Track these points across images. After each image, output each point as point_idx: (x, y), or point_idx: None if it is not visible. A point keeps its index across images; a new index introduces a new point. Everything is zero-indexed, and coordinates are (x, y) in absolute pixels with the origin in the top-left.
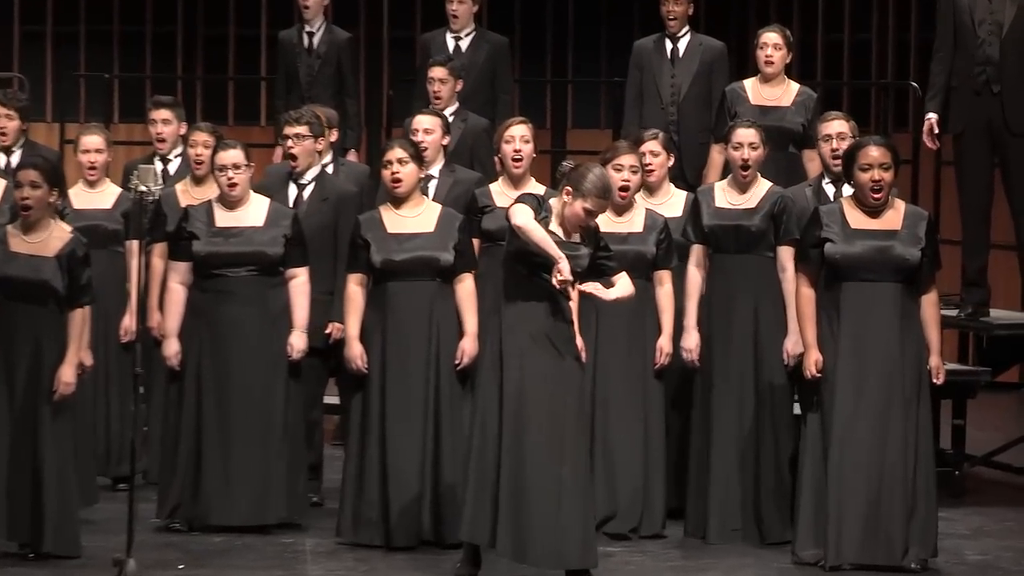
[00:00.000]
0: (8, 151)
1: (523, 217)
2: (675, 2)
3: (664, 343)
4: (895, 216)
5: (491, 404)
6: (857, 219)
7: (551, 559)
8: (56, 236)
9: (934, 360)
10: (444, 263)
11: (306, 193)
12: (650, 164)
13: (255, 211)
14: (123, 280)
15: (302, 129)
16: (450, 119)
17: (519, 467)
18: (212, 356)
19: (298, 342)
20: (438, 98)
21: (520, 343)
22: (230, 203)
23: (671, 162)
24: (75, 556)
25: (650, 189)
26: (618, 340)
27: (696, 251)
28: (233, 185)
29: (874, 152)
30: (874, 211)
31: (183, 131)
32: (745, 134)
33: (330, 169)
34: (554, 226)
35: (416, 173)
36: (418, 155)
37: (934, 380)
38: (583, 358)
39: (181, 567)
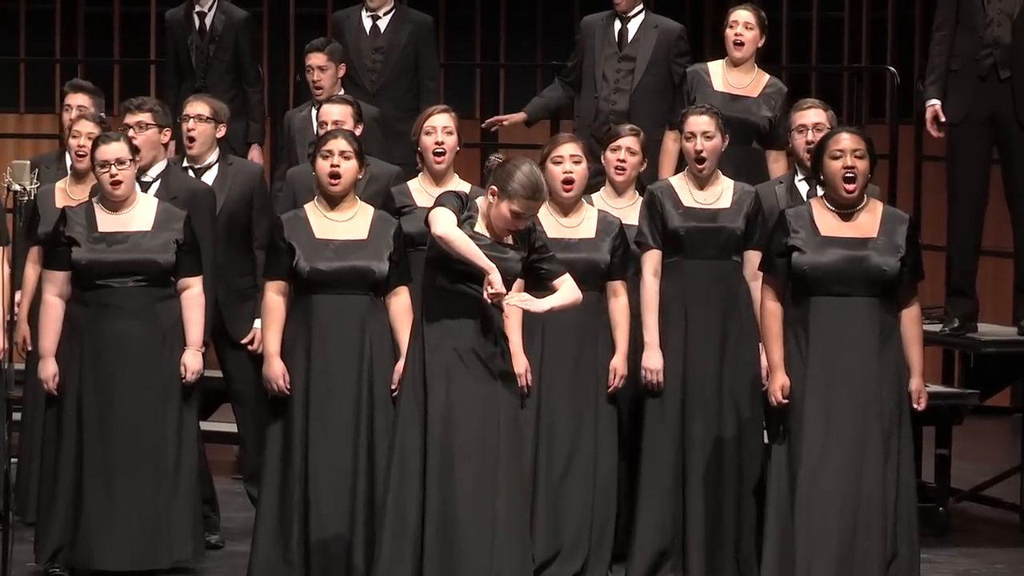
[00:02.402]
0: None
1: (444, 224)
2: None
3: (618, 363)
4: (871, 220)
5: (412, 433)
6: (828, 224)
7: None
8: None
9: (915, 383)
10: (379, 275)
11: (151, 192)
12: (624, 163)
13: (142, 213)
14: None
15: (144, 117)
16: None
17: (446, 503)
18: (94, 379)
19: (192, 362)
20: (319, 88)
21: (446, 362)
22: (113, 204)
23: (644, 166)
24: None
25: (617, 191)
26: (566, 359)
27: (654, 257)
28: (117, 183)
29: (846, 139)
30: (848, 214)
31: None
32: (697, 122)
33: (215, 170)
34: (480, 227)
35: (355, 172)
36: (361, 154)
37: (915, 406)
38: (528, 379)
39: None
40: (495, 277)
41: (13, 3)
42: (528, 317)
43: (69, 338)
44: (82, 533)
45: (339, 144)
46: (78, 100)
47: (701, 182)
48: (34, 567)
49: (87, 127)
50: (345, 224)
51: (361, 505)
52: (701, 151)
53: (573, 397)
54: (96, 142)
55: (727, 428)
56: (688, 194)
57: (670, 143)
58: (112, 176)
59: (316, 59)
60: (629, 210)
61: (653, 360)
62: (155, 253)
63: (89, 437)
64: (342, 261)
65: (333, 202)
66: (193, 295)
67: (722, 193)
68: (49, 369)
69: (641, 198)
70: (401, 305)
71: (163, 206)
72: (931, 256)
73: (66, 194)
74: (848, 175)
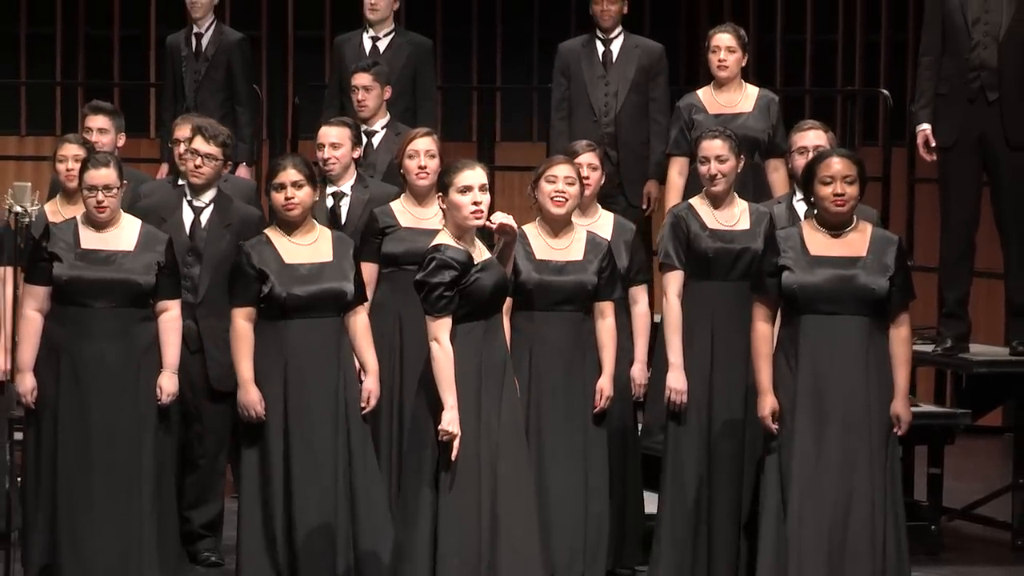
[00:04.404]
0: None
1: (437, 343)
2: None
3: (605, 384)
4: (860, 241)
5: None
6: (818, 244)
7: None
8: None
9: (897, 405)
10: (349, 296)
11: (204, 217)
12: (587, 179)
13: (126, 233)
14: None
15: (214, 150)
16: (382, 132)
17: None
18: (72, 398)
19: (168, 384)
20: (363, 107)
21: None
22: (97, 224)
23: (603, 180)
24: None
25: (580, 207)
26: (555, 379)
27: (678, 278)
28: (103, 209)
29: (837, 164)
30: (837, 234)
31: (121, 143)
32: (711, 146)
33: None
34: (451, 240)
35: (312, 196)
36: (313, 177)
37: (895, 430)
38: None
39: None
40: (449, 418)
41: (14, 27)
42: (516, 339)
43: (47, 356)
44: (60, 552)
45: (290, 175)
46: (98, 123)
47: (718, 204)
48: None
49: (72, 150)
50: (310, 248)
51: (344, 520)
52: (715, 174)
53: (562, 417)
54: (85, 165)
55: (753, 447)
56: (710, 216)
57: (675, 175)
58: (99, 202)
59: (361, 79)
60: (595, 227)
61: (678, 381)
62: (136, 274)
63: (64, 456)
64: (315, 284)
65: (293, 227)
66: (171, 318)
67: (741, 215)
68: (27, 383)
69: (604, 213)
70: (362, 324)
71: (146, 227)
72: (924, 277)
73: (59, 214)
74: (837, 201)
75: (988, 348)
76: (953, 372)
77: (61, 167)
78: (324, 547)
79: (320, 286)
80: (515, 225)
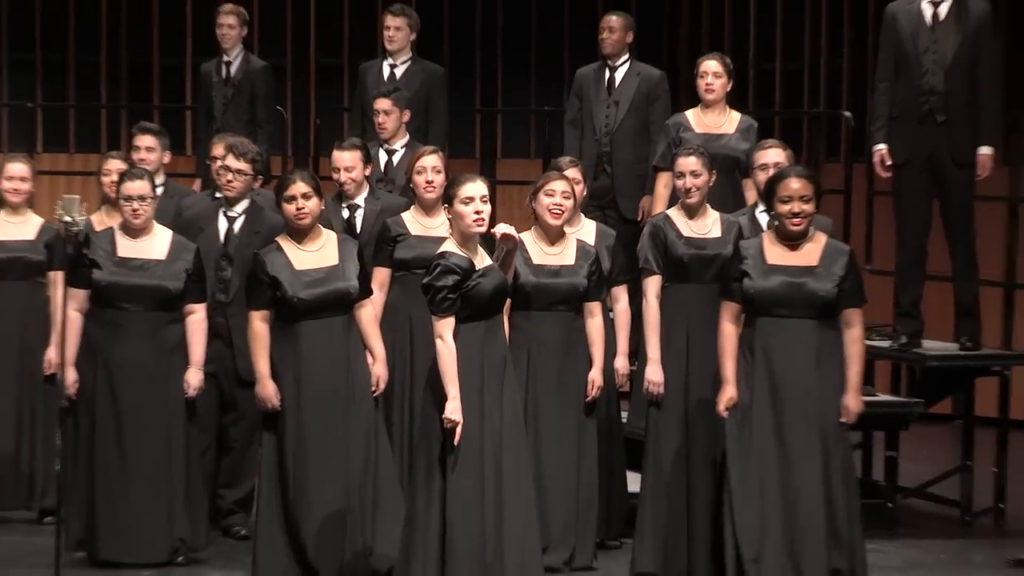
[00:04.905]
0: None
1: (442, 339)
2: (609, 29)
3: (595, 375)
4: (814, 251)
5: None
6: (775, 254)
7: None
8: None
9: (847, 398)
10: (354, 294)
11: (237, 225)
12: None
13: (158, 243)
14: (45, 312)
15: (245, 166)
16: (401, 150)
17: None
18: (107, 391)
19: (194, 379)
20: (383, 129)
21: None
22: (133, 232)
23: (585, 192)
24: None
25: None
26: (550, 371)
27: (656, 282)
28: (138, 216)
29: (795, 184)
30: (793, 245)
31: (167, 160)
32: (686, 162)
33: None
34: (455, 248)
35: (319, 205)
36: (319, 188)
37: (841, 419)
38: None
39: None
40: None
41: (63, 55)
42: (515, 337)
43: (85, 353)
44: (98, 528)
45: (300, 188)
46: (146, 142)
47: (692, 214)
48: (78, 556)
49: (115, 166)
50: (317, 253)
51: (354, 495)
52: (690, 188)
53: (557, 406)
54: (122, 178)
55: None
56: (686, 225)
57: (661, 187)
58: (135, 210)
59: (382, 104)
60: (579, 234)
61: (655, 373)
62: (167, 280)
63: (100, 443)
64: (322, 287)
65: (303, 235)
66: (197, 320)
67: (713, 224)
68: (70, 376)
69: (587, 221)
70: (368, 315)
71: (177, 238)
72: (882, 280)
73: (104, 223)
74: (794, 219)
75: (939, 344)
76: (908, 365)
77: (105, 180)
78: (336, 524)
79: (327, 288)
80: (516, 235)
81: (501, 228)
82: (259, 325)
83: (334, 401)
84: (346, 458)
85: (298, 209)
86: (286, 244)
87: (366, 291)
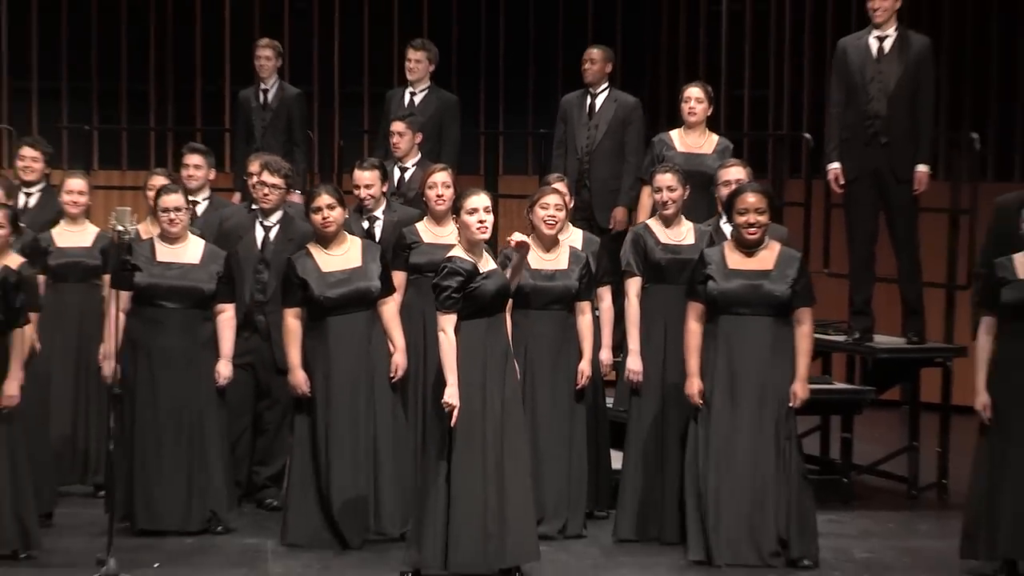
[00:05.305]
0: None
1: (443, 333)
2: (591, 60)
3: (584, 366)
4: (769, 257)
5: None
6: (735, 260)
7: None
8: None
9: (795, 386)
10: (375, 292)
11: (272, 234)
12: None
13: (192, 249)
14: (100, 310)
15: (278, 181)
16: (413, 168)
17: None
18: (146, 381)
19: (224, 369)
20: (397, 148)
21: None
22: (170, 240)
23: (572, 204)
24: (32, 551)
25: None
26: (545, 363)
27: (637, 283)
28: (174, 225)
29: (750, 199)
30: (750, 252)
31: (212, 176)
32: (663, 178)
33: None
34: (463, 253)
35: (342, 215)
36: (343, 199)
37: (791, 404)
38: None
39: (156, 565)
40: (450, 392)
41: (116, 83)
42: (516, 332)
43: (129, 346)
44: (135, 503)
45: (325, 199)
46: (194, 160)
47: (669, 223)
48: (124, 526)
49: (160, 181)
50: (342, 257)
51: (371, 468)
52: (666, 201)
53: (551, 394)
54: (159, 192)
55: None
56: (663, 233)
57: (645, 197)
58: (171, 220)
59: (397, 127)
60: (568, 241)
61: (636, 364)
62: (201, 282)
63: (140, 426)
64: (346, 287)
65: (329, 241)
66: (227, 317)
67: (687, 232)
68: (110, 368)
69: (574, 230)
70: (391, 311)
71: (209, 246)
72: (838, 282)
73: (150, 232)
74: (750, 229)
75: (888, 339)
76: (861, 357)
77: (150, 194)
78: (358, 494)
79: (350, 288)
80: (529, 241)
81: (516, 236)
82: (292, 321)
83: (357, 387)
84: (368, 436)
85: (324, 218)
86: (314, 249)
87: (388, 290)
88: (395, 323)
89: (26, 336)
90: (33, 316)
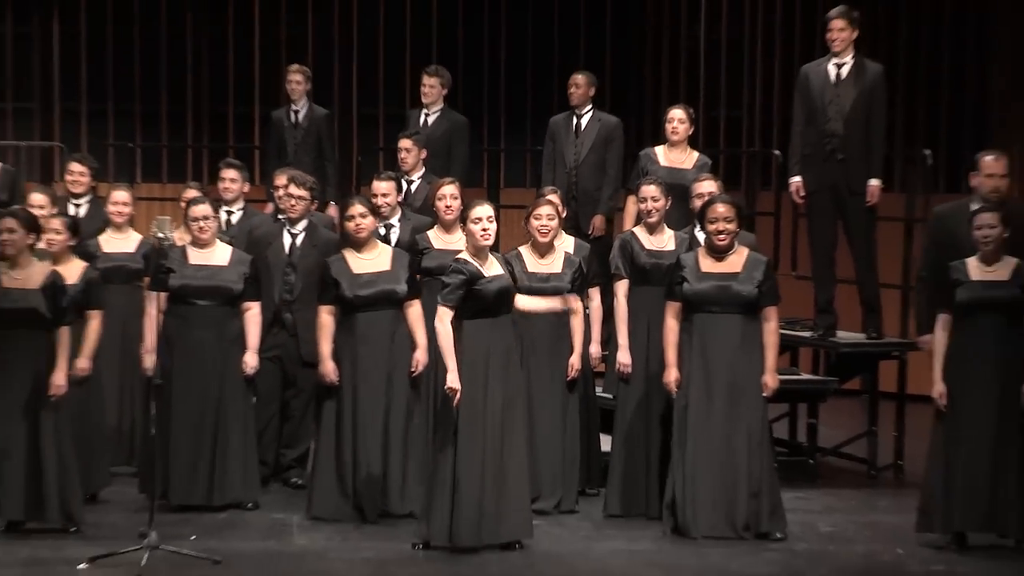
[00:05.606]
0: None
1: (440, 322)
2: (576, 85)
3: (575, 359)
4: (738, 261)
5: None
6: (707, 264)
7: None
8: (37, 271)
9: (765, 377)
10: (400, 294)
11: (298, 240)
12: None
13: (220, 253)
14: (142, 309)
15: (304, 193)
16: (418, 181)
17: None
18: (180, 372)
19: (251, 360)
20: (404, 162)
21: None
22: (200, 245)
23: (564, 213)
24: (76, 526)
25: None
26: (541, 358)
27: (624, 285)
28: (203, 231)
29: (720, 209)
30: (721, 257)
31: (246, 189)
32: (647, 190)
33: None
34: (469, 257)
35: (373, 223)
36: (374, 209)
37: (763, 393)
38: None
39: (193, 537)
40: (451, 379)
41: (156, 105)
42: (515, 329)
43: (165, 340)
44: (170, 481)
45: (358, 208)
46: (230, 175)
47: (652, 231)
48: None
49: (194, 194)
50: (373, 261)
51: (393, 450)
52: (650, 210)
53: (547, 384)
54: (190, 203)
55: None
56: (648, 240)
57: (630, 205)
58: (200, 227)
59: (404, 143)
60: (561, 246)
61: (624, 356)
62: (229, 282)
63: (175, 412)
64: (374, 287)
65: (361, 246)
66: (253, 314)
67: (669, 239)
68: (149, 361)
69: (566, 237)
70: (415, 312)
71: (236, 251)
72: (805, 284)
73: (182, 239)
74: (719, 236)
75: (850, 334)
76: (825, 351)
77: (184, 205)
78: (377, 473)
79: (377, 288)
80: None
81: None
82: (325, 317)
83: (379, 378)
84: (388, 422)
85: (356, 225)
86: (348, 253)
87: (414, 292)
88: (419, 323)
89: (92, 332)
90: (97, 313)
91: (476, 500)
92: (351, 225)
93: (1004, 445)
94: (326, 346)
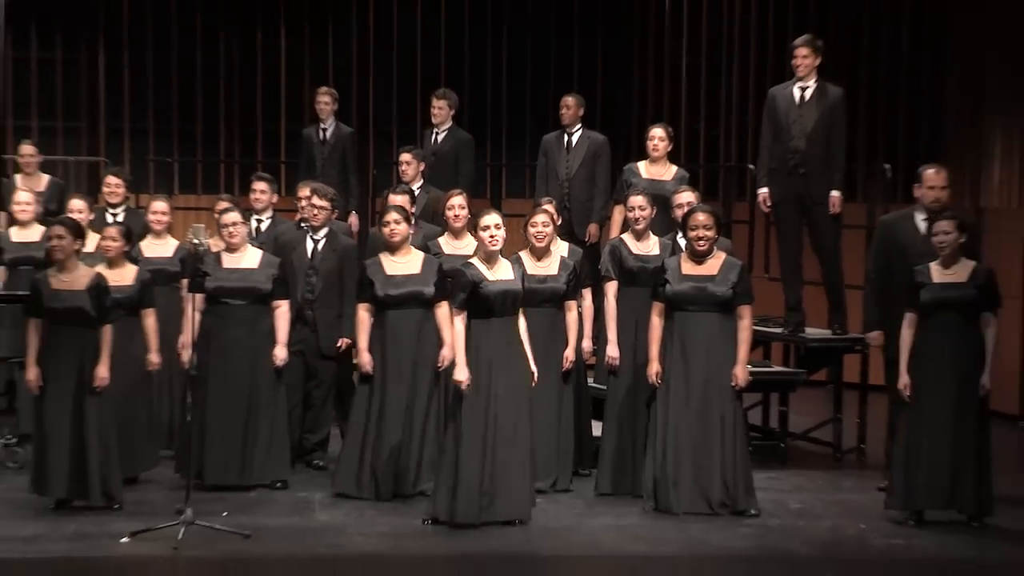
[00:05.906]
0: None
1: (453, 325)
2: (566, 106)
3: (569, 354)
4: (715, 264)
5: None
6: (688, 267)
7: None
8: (83, 274)
9: (736, 369)
10: (428, 295)
11: (320, 245)
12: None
13: (251, 257)
14: (179, 308)
15: (325, 203)
16: (418, 191)
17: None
18: (215, 366)
19: (280, 353)
20: (404, 173)
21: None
22: (231, 250)
23: (560, 221)
24: (118, 504)
25: None
26: (538, 352)
27: (614, 286)
28: (232, 236)
29: (700, 217)
30: (700, 261)
31: (275, 200)
32: (635, 200)
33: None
34: (478, 262)
35: (407, 229)
36: (408, 217)
37: (733, 384)
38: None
39: (225, 513)
40: (460, 374)
41: (192, 124)
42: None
43: (202, 337)
44: (204, 464)
45: (392, 216)
46: (261, 187)
47: (639, 237)
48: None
49: (224, 205)
50: (404, 264)
51: (413, 436)
52: (638, 218)
53: (543, 376)
54: (221, 212)
55: None
56: (635, 246)
57: (617, 215)
58: (230, 233)
59: (404, 156)
60: (556, 251)
61: (613, 351)
62: (259, 283)
63: (210, 401)
64: (404, 288)
65: (394, 250)
66: (282, 311)
67: (654, 245)
68: (187, 356)
69: (561, 243)
70: (443, 313)
71: (266, 255)
72: (777, 285)
73: (218, 245)
74: (699, 243)
75: (817, 331)
76: (795, 346)
77: (216, 214)
78: (396, 454)
79: (406, 290)
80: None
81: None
82: (362, 314)
83: (406, 370)
84: (411, 409)
85: (390, 231)
86: (383, 256)
87: (442, 295)
88: (446, 323)
89: (151, 329)
90: (151, 311)
91: (474, 482)
92: (386, 230)
93: (962, 432)
94: (363, 339)
